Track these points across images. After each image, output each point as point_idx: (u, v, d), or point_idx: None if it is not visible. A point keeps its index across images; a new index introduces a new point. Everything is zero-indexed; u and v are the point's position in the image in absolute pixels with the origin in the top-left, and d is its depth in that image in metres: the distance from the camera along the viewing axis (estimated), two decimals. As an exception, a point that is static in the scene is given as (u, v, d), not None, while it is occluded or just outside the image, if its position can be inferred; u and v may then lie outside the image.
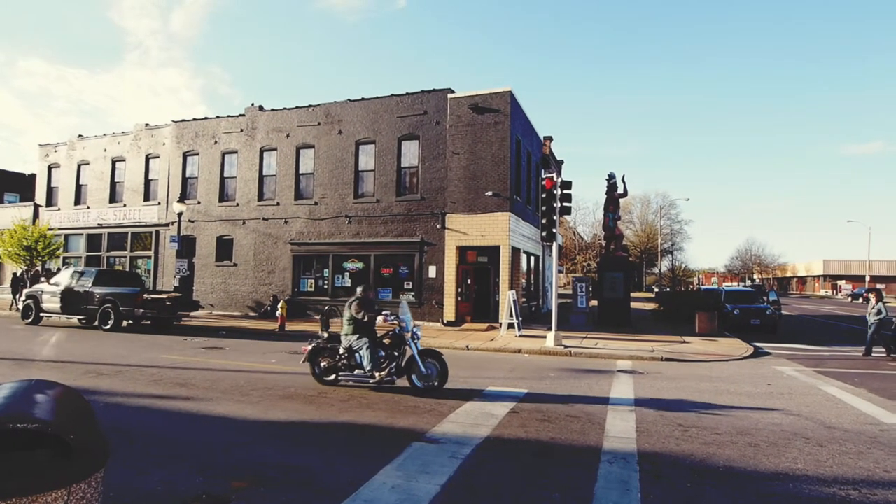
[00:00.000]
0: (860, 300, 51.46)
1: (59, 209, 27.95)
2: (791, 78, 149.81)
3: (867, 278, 59.64)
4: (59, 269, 23.12)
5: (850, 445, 5.83)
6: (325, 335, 8.66)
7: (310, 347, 8.59)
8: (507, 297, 16.91)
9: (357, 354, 8.18)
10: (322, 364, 8.50)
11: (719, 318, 18.73)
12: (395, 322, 8.39)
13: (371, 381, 8.05)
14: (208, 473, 4.65)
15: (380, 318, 8.45)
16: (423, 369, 8.09)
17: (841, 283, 73.83)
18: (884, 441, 6.05)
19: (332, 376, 8.43)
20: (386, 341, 8.33)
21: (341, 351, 8.30)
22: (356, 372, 8.21)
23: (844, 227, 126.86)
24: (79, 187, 27.61)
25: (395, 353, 8.21)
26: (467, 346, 13.85)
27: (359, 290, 8.59)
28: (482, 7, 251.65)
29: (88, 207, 26.99)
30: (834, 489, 4.57)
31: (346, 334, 8.28)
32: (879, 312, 13.74)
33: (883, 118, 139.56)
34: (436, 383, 8.09)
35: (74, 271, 18.00)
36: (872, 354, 13.55)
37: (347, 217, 20.83)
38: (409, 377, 8.14)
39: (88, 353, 11.92)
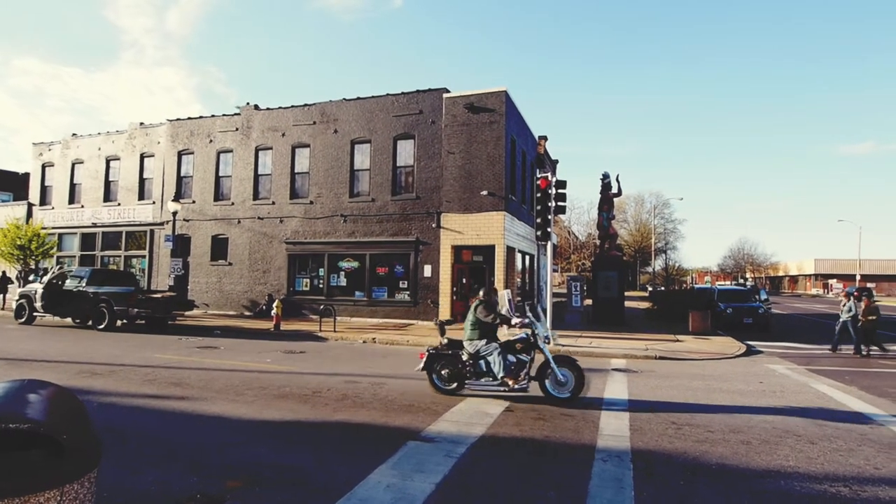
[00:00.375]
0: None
1: (52, 208, 27.79)
2: (784, 79, 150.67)
3: (857, 277, 60.08)
4: (51, 269, 22.97)
5: (840, 443, 5.88)
6: (445, 341, 8.11)
7: (426, 354, 8.00)
8: (502, 296, 16.91)
9: (483, 361, 7.67)
10: (443, 372, 7.87)
11: (712, 316, 18.83)
12: (527, 326, 7.78)
13: (504, 389, 7.53)
14: (202, 473, 4.64)
15: (515, 321, 7.84)
16: (560, 377, 7.54)
17: (832, 281, 74.32)
18: (874, 438, 6.11)
19: (454, 384, 7.83)
20: (518, 346, 7.74)
21: (464, 357, 7.76)
22: (483, 380, 7.71)
23: (835, 227, 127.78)
24: (73, 186, 27.46)
25: (525, 359, 7.66)
26: (463, 345, 13.86)
27: (480, 292, 8.11)
28: (477, 7, 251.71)
29: (82, 206, 26.84)
30: (825, 486, 4.61)
31: (471, 339, 7.73)
32: (850, 310, 14.11)
33: (874, 119, 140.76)
34: (573, 392, 7.53)
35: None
36: (863, 351, 13.65)
37: (343, 216, 20.81)
38: (541, 385, 7.61)
39: (82, 352, 11.86)
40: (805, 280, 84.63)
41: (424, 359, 7.99)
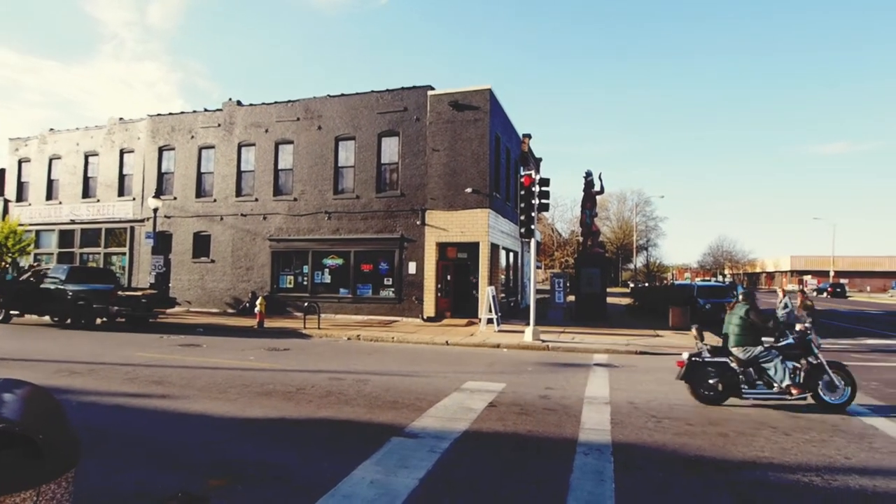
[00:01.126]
0: (825, 294, 53.43)
1: (29, 204, 27.17)
2: (770, 78, 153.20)
3: (831, 273, 61.69)
4: (30, 267, 22.46)
5: (813, 434, 6.05)
6: (706, 347, 7.62)
7: (686, 362, 7.45)
8: (486, 293, 17.01)
9: (753, 368, 7.24)
10: (710, 381, 7.30)
11: (692, 312, 19.13)
12: (807, 330, 7.37)
13: (786, 398, 7.06)
14: (185, 472, 4.62)
15: (798, 326, 7.43)
16: (836, 382, 7.09)
17: (807, 277, 76.08)
18: (845, 429, 6.29)
19: (725, 395, 7.29)
20: (792, 351, 7.35)
21: (733, 365, 7.29)
22: (758, 389, 7.24)
23: (811, 224, 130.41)
24: (50, 182, 26.87)
25: (799, 366, 7.25)
26: (447, 342, 13.92)
27: (740, 295, 7.68)
28: (465, 5, 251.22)
29: (60, 203, 26.29)
30: (798, 476, 4.74)
31: (744, 345, 7.29)
32: (786, 307, 14.36)
33: (848, 119, 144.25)
34: (847, 396, 7.09)
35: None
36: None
37: (327, 213, 20.69)
38: (813, 392, 7.16)
39: (61, 351, 11.65)
40: (781, 276, 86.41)
41: (684, 367, 7.43)
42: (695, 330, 8.17)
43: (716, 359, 7.41)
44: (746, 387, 7.24)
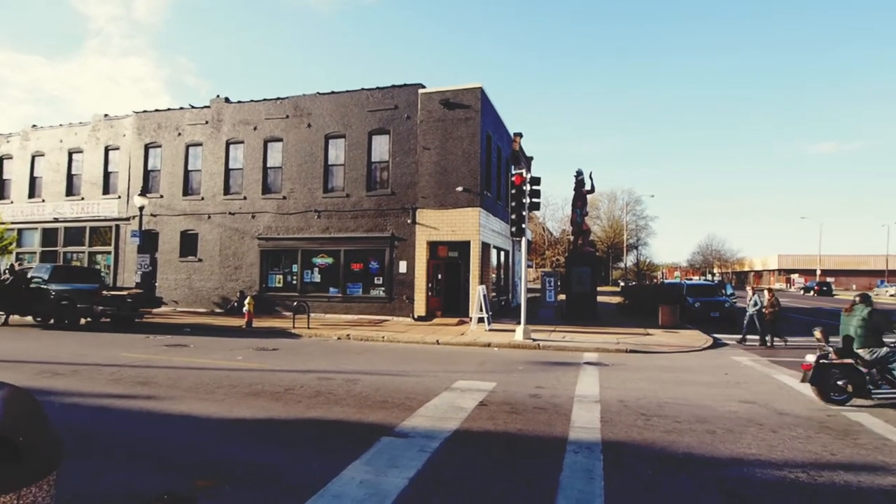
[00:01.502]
0: (811, 293, 54.28)
1: (11, 202, 26.69)
2: (765, 78, 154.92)
3: (818, 272, 62.62)
4: (12, 265, 22.08)
5: (800, 430, 6.12)
6: (830, 349, 7.62)
7: (813, 365, 7.46)
8: (477, 292, 17.01)
9: (878, 369, 7.36)
10: (839, 382, 7.36)
11: (681, 310, 19.28)
12: None
13: None
14: (171, 473, 4.55)
15: None
16: None
17: (794, 276, 77.22)
18: (831, 426, 6.37)
19: (853, 396, 7.36)
20: None
21: (862, 368, 7.38)
22: (884, 388, 7.33)
23: (798, 223, 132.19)
24: (33, 180, 26.42)
25: None
26: (438, 341, 13.90)
27: (856, 297, 7.84)
28: (464, 5, 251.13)
29: (43, 201, 25.87)
30: (785, 472, 4.79)
31: (869, 347, 7.42)
32: (756, 304, 14.74)
33: (841, 118, 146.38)
34: None
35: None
36: (767, 342, 14.24)
37: (317, 212, 20.57)
38: None
39: (43, 352, 11.47)
40: (769, 275, 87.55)
41: (812, 370, 7.47)
42: (819, 333, 8.12)
43: (842, 360, 7.46)
44: (872, 387, 7.36)
